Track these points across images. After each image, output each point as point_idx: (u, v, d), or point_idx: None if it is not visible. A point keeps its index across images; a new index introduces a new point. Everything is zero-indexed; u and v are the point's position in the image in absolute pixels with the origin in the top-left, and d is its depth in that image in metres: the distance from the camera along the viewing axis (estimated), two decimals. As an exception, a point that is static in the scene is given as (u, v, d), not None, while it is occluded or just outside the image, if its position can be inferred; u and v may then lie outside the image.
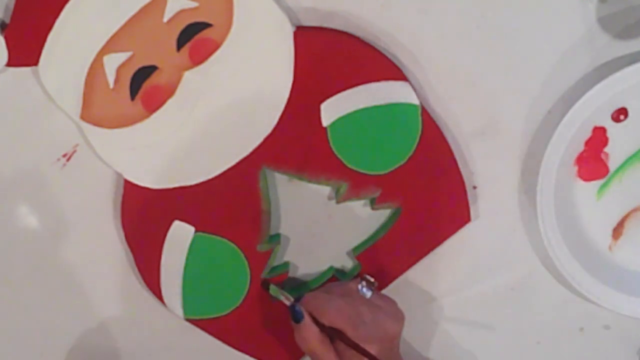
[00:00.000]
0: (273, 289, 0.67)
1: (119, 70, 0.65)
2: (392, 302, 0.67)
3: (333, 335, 0.63)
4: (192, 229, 0.67)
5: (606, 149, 0.69)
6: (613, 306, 0.69)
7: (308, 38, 0.66)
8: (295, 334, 0.63)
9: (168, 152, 0.67)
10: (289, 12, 0.66)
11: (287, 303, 0.65)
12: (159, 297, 0.68)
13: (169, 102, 0.65)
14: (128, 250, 0.68)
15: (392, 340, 0.64)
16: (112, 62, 0.65)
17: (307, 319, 0.63)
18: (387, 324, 0.64)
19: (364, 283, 0.66)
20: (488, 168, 0.70)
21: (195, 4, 0.64)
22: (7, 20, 0.64)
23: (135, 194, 0.67)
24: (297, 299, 0.64)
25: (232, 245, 0.68)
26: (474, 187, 0.70)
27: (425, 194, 0.68)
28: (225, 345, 0.70)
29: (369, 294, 0.66)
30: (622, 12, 0.67)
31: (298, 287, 0.71)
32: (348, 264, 0.71)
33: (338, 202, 0.69)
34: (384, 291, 0.70)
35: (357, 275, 0.69)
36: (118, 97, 0.65)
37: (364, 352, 0.61)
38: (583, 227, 0.70)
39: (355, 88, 0.66)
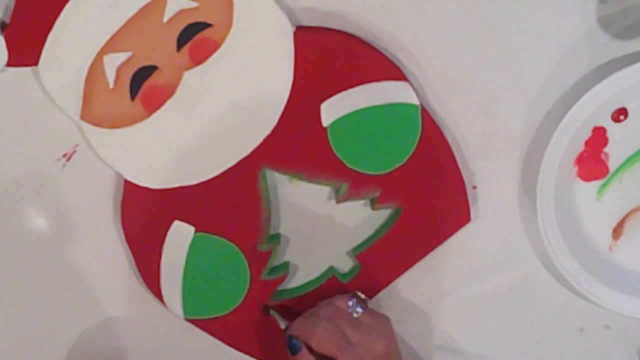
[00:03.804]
0: (273, 312, 0.67)
1: (119, 70, 0.65)
2: (383, 320, 0.66)
3: None
4: (192, 229, 0.67)
5: (606, 149, 0.69)
6: (613, 306, 0.69)
7: (308, 38, 0.66)
8: None
9: (168, 152, 0.67)
10: (289, 12, 0.66)
11: (282, 326, 0.64)
12: (159, 297, 0.68)
13: (169, 102, 0.65)
14: (128, 250, 0.68)
15: (383, 359, 0.63)
16: (112, 62, 0.65)
17: (304, 351, 0.62)
18: (375, 343, 0.63)
19: (355, 300, 0.65)
20: (488, 168, 0.70)
21: (195, 4, 0.64)
22: (7, 20, 0.64)
23: (135, 194, 0.67)
24: (289, 326, 0.63)
25: (232, 245, 0.68)
26: (474, 187, 0.70)
27: (425, 194, 0.68)
28: (225, 345, 0.70)
29: (359, 311, 0.64)
30: (622, 12, 0.67)
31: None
32: (348, 264, 0.71)
33: (338, 202, 0.69)
34: (383, 292, 0.70)
35: (349, 291, 0.67)
36: (118, 97, 0.65)
37: None
38: (583, 227, 0.70)
39: (355, 88, 0.66)
